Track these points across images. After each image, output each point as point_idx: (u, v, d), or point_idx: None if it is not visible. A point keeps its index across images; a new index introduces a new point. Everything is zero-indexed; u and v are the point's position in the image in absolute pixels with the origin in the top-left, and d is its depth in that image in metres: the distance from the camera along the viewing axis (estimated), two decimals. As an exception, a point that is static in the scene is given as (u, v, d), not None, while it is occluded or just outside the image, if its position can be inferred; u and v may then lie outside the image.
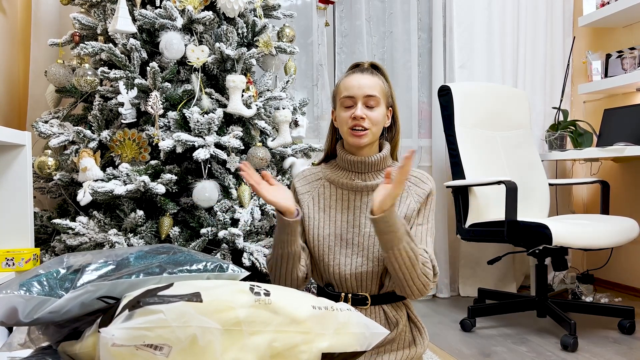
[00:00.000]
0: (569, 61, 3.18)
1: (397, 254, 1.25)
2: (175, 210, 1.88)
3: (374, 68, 1.47)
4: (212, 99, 1.99)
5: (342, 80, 1.44)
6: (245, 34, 2.10)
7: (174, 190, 1.88)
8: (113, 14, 1.98)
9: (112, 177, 1.85)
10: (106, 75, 1.88)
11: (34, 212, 1.93)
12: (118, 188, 1.77)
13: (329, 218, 1.43)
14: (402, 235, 1.25)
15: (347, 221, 1.41)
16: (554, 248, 2.21)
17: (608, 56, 2.96)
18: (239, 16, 2.09)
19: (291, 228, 1.31)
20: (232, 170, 1.94)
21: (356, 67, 1.47)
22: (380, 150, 1.46)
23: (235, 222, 1.89)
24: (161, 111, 1.87)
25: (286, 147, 2.13)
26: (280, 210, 1.30)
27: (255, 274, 1.84)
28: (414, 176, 1.45)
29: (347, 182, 1.44)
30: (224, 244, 1.85)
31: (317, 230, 1.42)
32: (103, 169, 1.88)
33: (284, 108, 2.13)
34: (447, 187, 2.59)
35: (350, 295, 1.40)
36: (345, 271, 1.38)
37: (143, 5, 1.98)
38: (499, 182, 2.24)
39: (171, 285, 0.97)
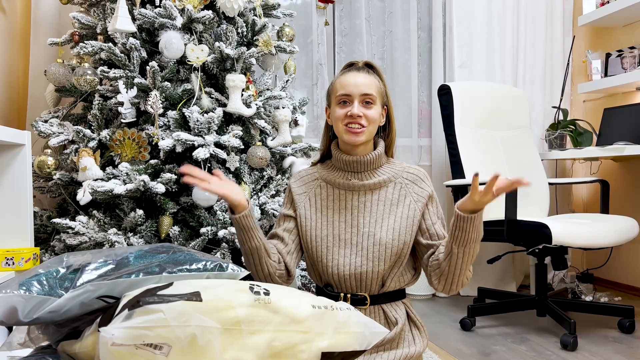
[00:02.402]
0: (568, 60, 3.18)
1: (469, 251, 1.29)
2: (175, 210, 1.88)
3: (369, 67, 1.47)
4: (212, 98, 1.99)
5: (337, 79, 1.43)
6: (245, 33, 2.10)
7: (173, 190, 1.88)
8: (113, 13, 1.97)
9: (111, 176, 1.85)
10: (106, 74, 1.88)
11: (34, 212, 1.93)
12: (118, 187, 1.77)
13: (326, 219, 1.42)
14: (479, 236, 1.28)
15: (344, 221, 1.41)
16: (553, 247, 2.21)
17: (608, 55, 2.96)
18: (238, 15, 2.09)
19: (241, 224, 1.31)
20: (232, 169, 1.94)
21: (351, 66, 1.47)
22: (374, 148, 1.46)
23: (235, 222, 1.89)
24: (161, 110, 1.87)
25: (286, 147, 2.13)
26: (232, 205, 1.31)
27: (255, 273, 1.84)
28: (411, 173, 1.45)
29: (344, 182, 1.43)
30: (224, 243, 1.85)
31: (314, 231, 1.42)
32: (103, 168, 1.88)
33: (283, 107, 2.12)
34: (447, 186, 2.59)
35: (349, 295, 1.40)
36: (345, 271, 1.38)
37: (143, 5, 1.98)
38: (498, 182, 2.24)
39: (171, 284, 0.97)
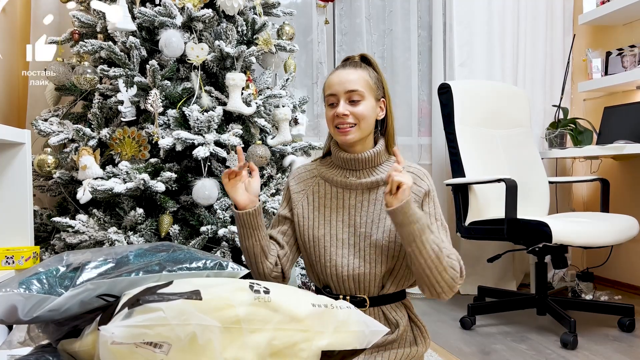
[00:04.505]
0: (569, 59, 3.17)
1: (420, 246, 1.22)
2: (175, 208, 1.88)
3: (364, 61, 1.42)
4: (212, 96, 1.99)
5: (328, 78, 1.40)
6: (245, 31, 2.09)
7: (173, 188, 1.88)
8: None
9: (111, 175, 1.85)
10: (106, 73, 1.88)
11: (34, 210, 1.93)
12: (118, 186, 1.77)
13: (324, 218, 1.39)
14: (423, 227, 1.22)
15: (342, 221, 1.38)
16: (553, 246, 2.21)
17: (608, 54, 2.95)
18: (238, 14, 2.09)
19: (241, 220, 1.32)
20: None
21: (345, 61, 1.43)
22: (375, 145, 1.42)
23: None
24: (161, 109, 1.87)
25: (286, 145, 2.13)
26: (236, 204, 1.33)
27: (255, 272, 1.84)
28: (410, 172, 1.40)
29: (341, 180, 1.40)
30: (224, 242, 1.85)
31: (312, 230, 1.39)
32: (103, 167, 1.88)
33: (283, 106, 2.12)
34: (447, 185, 2.59)
35: (348, 297, 1.38)
36: (343, 273, 1.35)
37: (143, 3, 1.98)
38: (498, 180, 2.24)
39: (171, 283, 0.97)
